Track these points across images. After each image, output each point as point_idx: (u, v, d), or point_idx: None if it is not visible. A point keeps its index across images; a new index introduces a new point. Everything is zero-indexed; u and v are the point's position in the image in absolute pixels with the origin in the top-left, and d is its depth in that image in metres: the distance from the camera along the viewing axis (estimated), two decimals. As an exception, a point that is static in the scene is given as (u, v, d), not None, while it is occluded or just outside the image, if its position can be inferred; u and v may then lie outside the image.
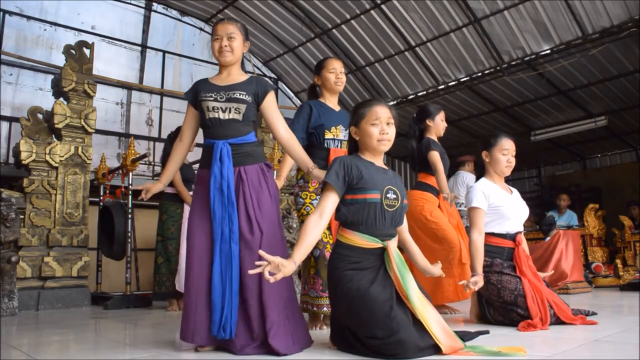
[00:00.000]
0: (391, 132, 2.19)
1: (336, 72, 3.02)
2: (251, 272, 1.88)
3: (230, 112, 2.30)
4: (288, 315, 2.21)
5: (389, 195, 2.11)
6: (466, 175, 5.53)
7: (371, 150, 2.21)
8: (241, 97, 2.31)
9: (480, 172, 3.09)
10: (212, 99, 2.30)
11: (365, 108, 2.20)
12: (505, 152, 2.95)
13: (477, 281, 2.65)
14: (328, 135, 2.92)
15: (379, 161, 2.24)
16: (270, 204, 2.30)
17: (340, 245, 2.15)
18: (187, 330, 2.17)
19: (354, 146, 2.29)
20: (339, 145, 2.94)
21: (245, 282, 2.16)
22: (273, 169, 2.58)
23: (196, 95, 2.37)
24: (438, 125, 3.78)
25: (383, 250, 2.11)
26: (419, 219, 3.55)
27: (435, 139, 3.76)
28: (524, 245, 2.93)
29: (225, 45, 2.34)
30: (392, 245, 2.12)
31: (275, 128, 2.39)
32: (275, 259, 1.86)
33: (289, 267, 1.88)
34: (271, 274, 1.84)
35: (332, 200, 2.08)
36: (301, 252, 1.98)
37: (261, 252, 1.88)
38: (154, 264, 4.62)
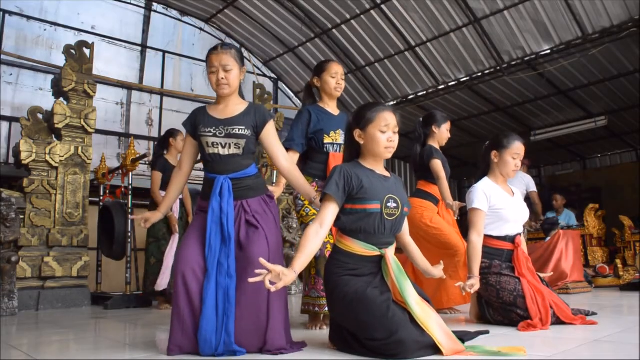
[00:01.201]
0: (396, 140, 2.17)
1: (337, 77, 3.01)
2: (251, 280, 1.86)
3: (230, 147, 2.27)
4: (286, 321, 2.24)
5: (389, 205, 2.10)
6: (523, 175, 5.89)
7: (375, 156, 2.18)
8: (240, 132, 2.28)
9: (484, 170, 3.06)
10: (211, 134, 2.27)
11: (374, 112, 2.15)
12: (516, 157, 2.93)
13: (474, 284, 2.64)
14: (327, 140, 2.91)
15: (380, 167, 2.21)
16: (275, 227, 2.31)
17: (338, 252, 2.15)
18: (175, 344, 2.16)
19: (354, 150, 2.24)
20: (338, 149, 2.93)
21: (254, 289, 2.13)
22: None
23: (195, 127, 2.34)
24: (443, 133, 3.76)
25: (380, 258, 2.11)
26: (419, 226, 3.54)
27: (438, 147, 3.73)
28: (524, 246, 2.93)
29: (222, 78, 2.28)
30: (390, 253, 2.11)
31: (275, 158, 2.38)
32: (276, 267, 1.85)
33: (289, 276, 1.87)
34: (272, 283, 1.83)
35: (332, 210, 2.07)
36: (301, 261, 1.98)
37: (262, 261, 1.86)
38: (145, 265, 4.65)
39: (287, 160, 2.40)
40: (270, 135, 2.37)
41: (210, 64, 2.32)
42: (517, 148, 2.93)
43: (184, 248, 2.25)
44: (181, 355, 2.14)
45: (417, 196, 3.70)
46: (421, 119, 3.89)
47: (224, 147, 2.27)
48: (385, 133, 2.13)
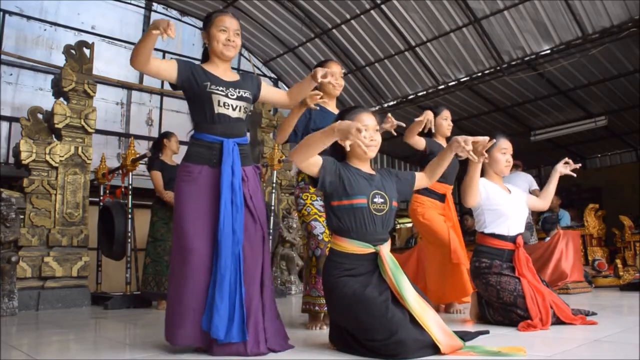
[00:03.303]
0: (378, 139, 2.22)
1: (335, 76, 3.01)
2: None
3: (240, 110, 2.27)
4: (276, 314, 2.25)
5: (375, 200, 2.13)
6: (525, 175, 6.09)
7: (359, 157, 2.21)
8: (250, 97, 2.32)
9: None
10: (223, 93, 2.23)
11: (351, 116, 2.20)
12: (504, 151, 2.97)
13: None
14: None
15: (366, 167, 2.25)
16: (263, 203, 2.35)
17: (333, 253, 2.16)
18: (182, 331, 2.10)
19: (338, 155, 2.26)
20: None
21: (248, 280, 2.13)
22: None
23: (194, 78, 2.22)
24: (440, 125, 3.69)
25: (376, 256, 2.12)
26: (416, 221, 3.61)
27: (439, 140, 3.69)
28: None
29: (233, 40, 2.28)
30: (385, 249, 2.12)
31: (279, 98, 2.50)
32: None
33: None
34: None
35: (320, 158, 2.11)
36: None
37: None
38: (142, 264, 4.68)
39: (285, 94, 2.52)
40: (268, 86, 2.48)
41: (221, 23, 2.27)
42: (503, 143, 2.98)
43: (188, 229, 2.12)
44: (185, 351, 2.14)
45: (418, 192, 3.70)
46: None
47: (234, 109, 2.25)
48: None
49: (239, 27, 2.33)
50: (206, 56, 2.38)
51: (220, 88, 2.23)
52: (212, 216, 2.15)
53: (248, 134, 2.40)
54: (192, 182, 2.19)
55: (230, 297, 2.08)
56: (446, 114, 3.74)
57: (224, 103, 2.22)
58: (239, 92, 2.27)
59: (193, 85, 2.22)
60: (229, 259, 2.10)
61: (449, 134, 3.72)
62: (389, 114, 3.12)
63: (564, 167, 3.14)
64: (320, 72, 2.31)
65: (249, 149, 2.36)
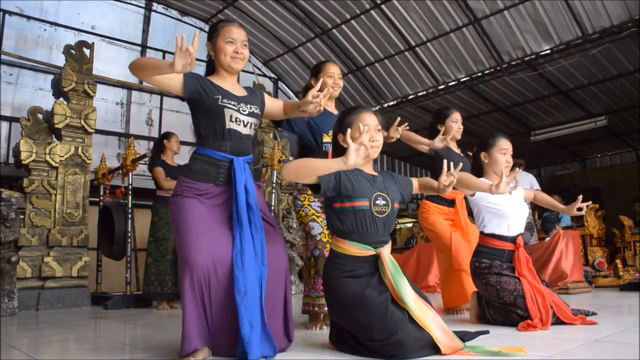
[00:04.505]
0: (380, 139, 2.21)
1: (334, 77, 3.01)
2: None
3: (250, 127, 2.18)
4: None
5: (377, 202, 2.12)
6: (526, 174, 6.04)
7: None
8: (259, 113, 2.23)
9: (477, 175, 3.06)
10: (235, 108, 2.11)
11: (353, 116, 2.19)
12: (504, 152, 2.96)
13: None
14: (326, 139, 2.91)
15: (368, 168, 2.24)
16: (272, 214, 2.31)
17: (334, 254, 2.16)
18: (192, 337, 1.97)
19: (339, 154, 2.19)
20: None
21: (275, 290, 2.09)
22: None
23: (203, 90, 2.09)
24: (450, 128, 3.62)
25: (377, 258, 2.11)
26: (422, 227, 3.67)
27: (448, 145, 3.63)
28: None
29: (241, 53, 2.16)
30: (385, 251, 2.11)
31: (278, 108, 2.36)
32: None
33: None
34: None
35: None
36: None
37: None
38: (144, 264, 4.69)
39: (282, 105, 2.39)
40: (269, 98, 2.38)
41: (228, 34, 2.15)
42: (503, 144, 2.96)
43: (198, 241, 1.95)
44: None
45: (426, 198, 3.70)
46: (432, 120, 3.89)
47: (245, 126, 2.14)
48: (366, 134, 2.13)
49: (247, 37, 2.20)
50: (211, 68, 2.25)
51: (232, 102, 2.11)
52: (218, 235, 2.01)
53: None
54: (195, 198, 2.06)
55: (261, 321, 1.97)
56: (456, 116, 3.66)
57: (236, 118, 2.11)
58: (250, 108, 2.16)
59: (203, 98, 2.08)
60: (255, 284, 1.98)
61: (459, 137, 3.67)
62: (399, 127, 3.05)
63: (577, 211, 3.08)
64: (310, 95, 2.13)
65: (252, 167, 2.28)
